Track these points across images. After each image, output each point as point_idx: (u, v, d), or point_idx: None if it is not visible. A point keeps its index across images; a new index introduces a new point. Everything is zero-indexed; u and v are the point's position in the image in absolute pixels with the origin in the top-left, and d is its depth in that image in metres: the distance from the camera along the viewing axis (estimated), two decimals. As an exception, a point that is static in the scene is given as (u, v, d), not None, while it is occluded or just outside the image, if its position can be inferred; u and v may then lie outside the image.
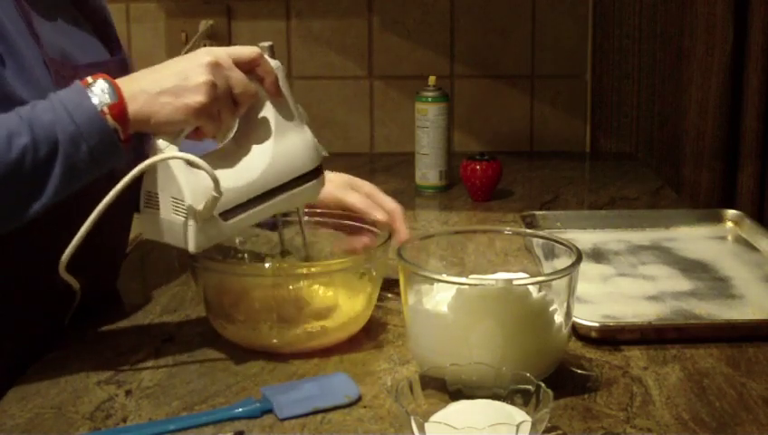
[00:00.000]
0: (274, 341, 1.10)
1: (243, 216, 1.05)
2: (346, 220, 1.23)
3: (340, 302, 1.13)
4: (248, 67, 1.05)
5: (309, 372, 1.06)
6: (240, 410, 0.96)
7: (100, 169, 0.99)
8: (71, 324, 1.17)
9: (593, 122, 2.18)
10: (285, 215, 1.16)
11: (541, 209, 1.68)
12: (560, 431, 0.92)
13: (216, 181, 0.99)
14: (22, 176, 0.96)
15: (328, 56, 2.17)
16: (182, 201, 1.00)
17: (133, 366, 1.07)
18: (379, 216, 1.21)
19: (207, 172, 0.99)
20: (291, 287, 1.12)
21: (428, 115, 1.81)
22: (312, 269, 1.15)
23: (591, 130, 2.18)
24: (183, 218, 1.01)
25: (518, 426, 0.82)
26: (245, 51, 1.05)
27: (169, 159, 1.00)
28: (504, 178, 1.79)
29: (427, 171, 1.83)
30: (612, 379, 1.03)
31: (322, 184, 1.12)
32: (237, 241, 1.20)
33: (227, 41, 2.13)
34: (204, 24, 2.10)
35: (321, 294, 1.15)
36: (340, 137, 2.16)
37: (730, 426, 0.93)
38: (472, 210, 1.71)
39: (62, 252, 1.01)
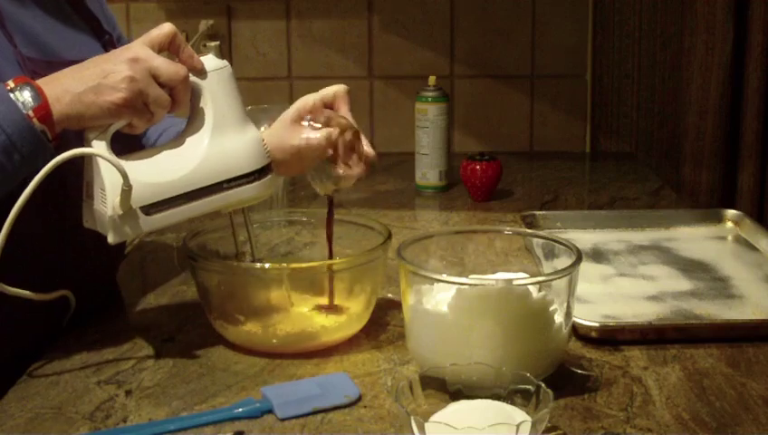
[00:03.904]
0: (274, 341, 1.10)
1: (168, 212, 1.04)
2: (346, 220, 1.23)
3: (341, 302, 1.13)
4: (169, 49, 1.05)
5: (309, 372, 1.06)
6: (240, 410, 0.96)
7: (30, 169, 1.00)
8: (71, 325, 1.17)
9: (593, 122, 2.18)
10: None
11: (541, 209, 1.68)
12: (560, 431, 0.92)
13: (123, 174, 1.00)
14: None
15: (328, 56, 2.17)
16: (104, 192, 1.02)
17: (133, 366, 1.07)
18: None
19: (114, 165, 1.00)
20: (290, 287, 1.12)
21: (428, 115, 1.81)
22: (313, 269, 1.15)
23: (591, 130, 2.18)
24: (106, 209, 1.02)
25: (518, 426, 0.82)
26: (154, 33, 1.04)
27: (76, 155, 1.01)
28: (504, 179, 1.79)
29: (427, 171, 1.83)
30: (612, 379, 1.03)
31: (267, 187, 1.10)
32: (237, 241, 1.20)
33: (227, 41, 2.13)
34: (204, 24, 2.10)
35: (321, 293, 1.14)
36: (340, 137, 2.16)
37: (730, 426, 0.93)
38: (472, 210, 1.71)
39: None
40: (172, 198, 1.04)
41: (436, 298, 1.00)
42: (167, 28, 1.05)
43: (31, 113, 0.98)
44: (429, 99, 1.81)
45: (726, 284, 1.31)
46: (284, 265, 1.16)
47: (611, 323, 1.14)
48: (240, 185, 1.07)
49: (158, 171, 1.04)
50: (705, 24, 1.90)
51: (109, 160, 1.00)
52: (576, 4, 2.13)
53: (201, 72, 1.07)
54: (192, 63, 1.06)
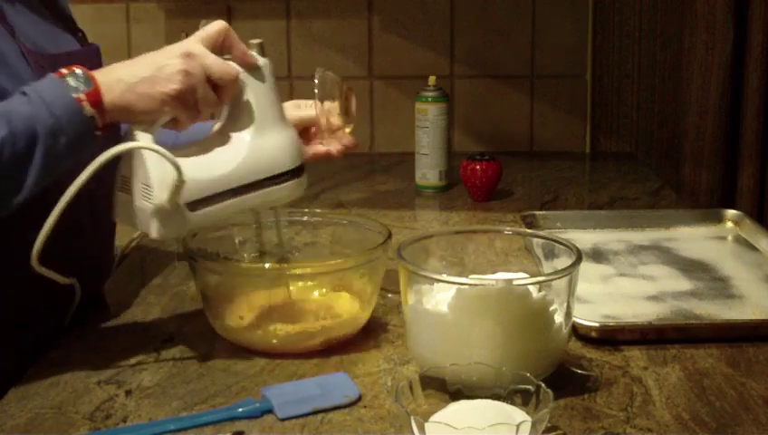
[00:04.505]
0: (274, 341, 1.10)
1: (211, 208, 1.04)
2: (346, 220, 1.23)
3: (340, 302, 1.14)
4: (222, 46, 1.05)
5: (309, 372, 1.06)
6: (240, 410, 0.96)
7: (75, 158, 1.00)
8: (71, 324, 1.17)
9: (593, 122, 2.18)
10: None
11: (541, 209, 1.68)
12: (560, 431, 0.92)
13: (178, 169, 1.00)
14: (1, 169, 0.96)
15: (328, 56, 2.17)
16: (149, 187, 1.01)
17: (133, 366, 1.07)
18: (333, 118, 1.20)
19: (169, 160, 1.00)
20: (291, 287, 1.12)
21: (428, 115, 1.81)
22: (312, 269, 1.15)
23: (591, 130, 2.18)
24: (150, 205, 1.01)
25: (518, 426, 0.82)
26: (209, 28, 1.06)
27: (131, 148, 1.01)
28: (504, 179, 1.79)
29: (427, 171, 1.83)
30: (612, 379, 1.03)
31: (302, 186, 1.11)
32: (237, 241, 1.20)
33: (227, 41, 2.13)
34: (204, 24, 2.10)
35: (320, 293, 1.15)
36: (340, 137, 2.16)
37: (730, 426, 0.93)
38: (472, 210, 1.71)
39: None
40: (216, 194, 1.04)
41: (436, 298, 1.00)
42: (220, 25, 1.06)
43: (82, 96, 0.98)
44: (429, 99, 1.81)
45: (726, 284, 1.31)
46: (285, 264, 1.16)
47: (611, 323, 1.14)
48: (278, 183, 1.08)
49: (205, 167, 1.04)
50: (705, 24, 1.90)
51: (164, 155, 0.99)
52: (576, 4, 2.13)
53: (254, 68, 1.07)
54: (246, 60, 1.06)
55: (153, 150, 1.00)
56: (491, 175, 1.74)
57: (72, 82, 0.99)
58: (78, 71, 1.00)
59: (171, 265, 1.40)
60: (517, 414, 0.86)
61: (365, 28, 2.17)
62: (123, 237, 1.43)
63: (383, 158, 2.14)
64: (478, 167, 1.74)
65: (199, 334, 1.15)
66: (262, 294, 1.13)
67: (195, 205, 1.03)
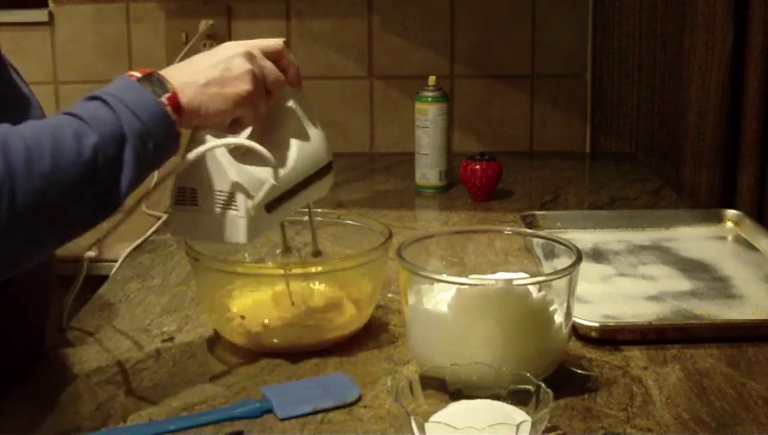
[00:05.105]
0: (274, 341, 1.10)
1: (282, 207, 1.04)
2: (346, 220, 1.23)
3: (340, 302, 1.13)
4: (273, 58, 1.05)
5: (309, 372, 1.06)
6: (240, 410, 0.96)
7: (160, 163, 0.97)
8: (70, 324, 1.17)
9: (593, 122, 2.18)
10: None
11: (541, 209, 1.68)
12: (560, 431, 0.92)
13: (276, 169, 1.00)
14: (96, 176, 0.91)
15: (328, 56, 2.17)
16: (232, 194, 0.99)
17: (133, 366, 1.07)
18: None
19: (269, 160, 1.00)
20: (291, 287, 1.12)
21: (428, 115, 1.80)
22: (313, 269, 1.15)
23: (591, 130, 2.18)
24: (233, 211, 0.99)
25: (518, 426, 0.82)
26: (271, 42, 1.06)
27: (229, 145, 1.00)
28: (504, 179, 1.79)
29: (427, 171, 1.82)
30: (612, 379, 1.03)
31: (333, 181, 1.13)
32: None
33: (227, 41, 2.12)
34: (204, 24, 2.10)
35: (321, 293, 1.15)
36: (340, 137, 2.16)
37: (730, 426, 0.93)
38: (472, 210, 1.71)
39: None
40: (284, 193, 1.04)
41: (436, 298, 1.00)
42: (278, 43, 1.05)
43: (164, 100, 0.95)
44: (429, 99, 1.81)
45: (726, 284, 1.31)
46: (285, 264, 1.16)
47: (611, 323, 1.14)
48: (320, 178, 1.10)
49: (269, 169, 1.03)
50: (705, 24, 1.89)
51: (264, 156, 0.99)
52: (576, 4, 2.13)
53: (299, 86, 1.09)
54: (296, 81, 1.07)
55: (253, 148, 0.99)
56: (491, 175, 1.74)
57: (149, 86, 0.95)
58: (153, 74, 0.97)
59: (171, 266, 1.40)
60: (517, 414, 0.86)
61: (365, 28, 2.16)
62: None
63: (383, 158, 2.14)
64: (478, 167, 1.74)
65: (199, 334, 1.15)
66: (262, 293, 1.13)
67: (270, 206, 1.02)
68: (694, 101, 1.94)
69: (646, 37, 2.10)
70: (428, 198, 1.81)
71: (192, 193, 1.01)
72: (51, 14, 2.17)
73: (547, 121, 2.19)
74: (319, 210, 1.24)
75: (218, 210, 1.00)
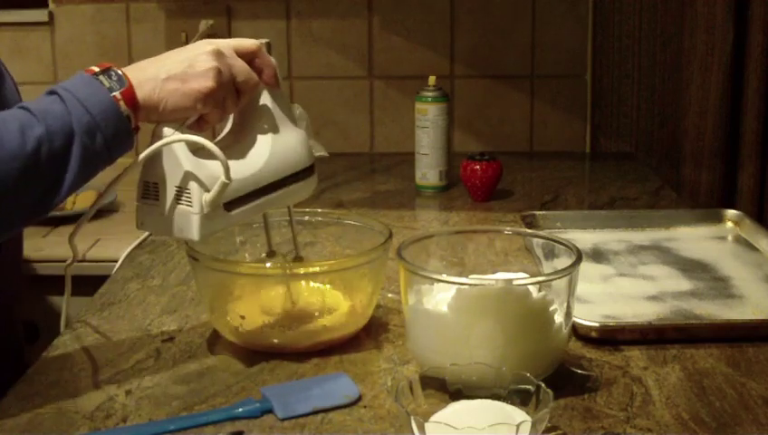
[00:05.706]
0: (274, 341, 1.10)
1: (245, 208, 1.04)
2: (346, 220, 1.23)
3: (341, 302, 1.13)
4: (248, 58, 1.05)
5: (309, 372, 1.06)
6: (240, 410, 0.96)
7: (111, 159, 0.98)
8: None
9: (593, 122, 2.18)
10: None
11: (541, 209, 1.68)
12: (560, 431, 0.92)
13: (226, 167, 0.99)
14: (39, 168, 0.93)
15: (328, 56, 2.17)
16: (187, 189, 1.00)
17: (133, 366, 1.07)
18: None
19: (218, 157, 0.99)
20: (291, 287, 1.12)
21: (428, 115, 1.80)
22: (313, 269, 1.15)
23: (591, 130, 2.18)
24: (187, 207, 1.00)
25: (518, 426, 0.82)
26: (246, 42, 1.05)
27: (180, 141, 0.99)
28: (504, 178, 1.79)
29: (427, 171, 1.82)
30: (612, 379, 1.03)
31: (314, 184, 1.12)
32: (237, 241, 1.20)
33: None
34: (204, 24, 2.10)
35: (321, 293, 1.15)
36: (340, 137, 2.16)
37: (730, 426, 0.93)
38: (472, 210, 1.71)
39: None
40: (249, 194, 1.04)
41: (436, 298, 1.00)
42: (253, 43, 1.05)
43: (118, 95, 0.96)
44: (429, 99, 1.81)
45: (726, 284, 1.31)
46: (285, 264, 1.16)
47: (611, 323, 1.14)
48: (296, 181, 1.09)
49: (237, 166, 1.03)
50: (705, 24, 1.90)
51: (214, 152, 0.99)
52: (576, 4, 2.13)
53: (276, 87, 1.08)
54: (272, 81, 1.07)
55: (205, 146, 0.99)
56: (491, 175, 1.74)
57: (105, 80, 0.97)
58: (110, 69, 0.98)
59: (171, 266, 1.40)
60: (517, 414, 0.86)
61: (365, 28, 2.17)
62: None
63: (383, 158, 2.14)
64: (478, 167, 1.74)
65: (199, 334, 1.15)
66: (262, 293, 1.13)
67: (230, 205, 1.02)
68: (694, 101, 1.94)
69: (646, 37, 2.10)
70: (428, 198, 1.81)
71: (155, 187, 1.01)
72: (51, 14, 2.17)
73: (547, 121, 2.19)
74: (319, 210, 1.24)
75: (175, 205, 1.00)
